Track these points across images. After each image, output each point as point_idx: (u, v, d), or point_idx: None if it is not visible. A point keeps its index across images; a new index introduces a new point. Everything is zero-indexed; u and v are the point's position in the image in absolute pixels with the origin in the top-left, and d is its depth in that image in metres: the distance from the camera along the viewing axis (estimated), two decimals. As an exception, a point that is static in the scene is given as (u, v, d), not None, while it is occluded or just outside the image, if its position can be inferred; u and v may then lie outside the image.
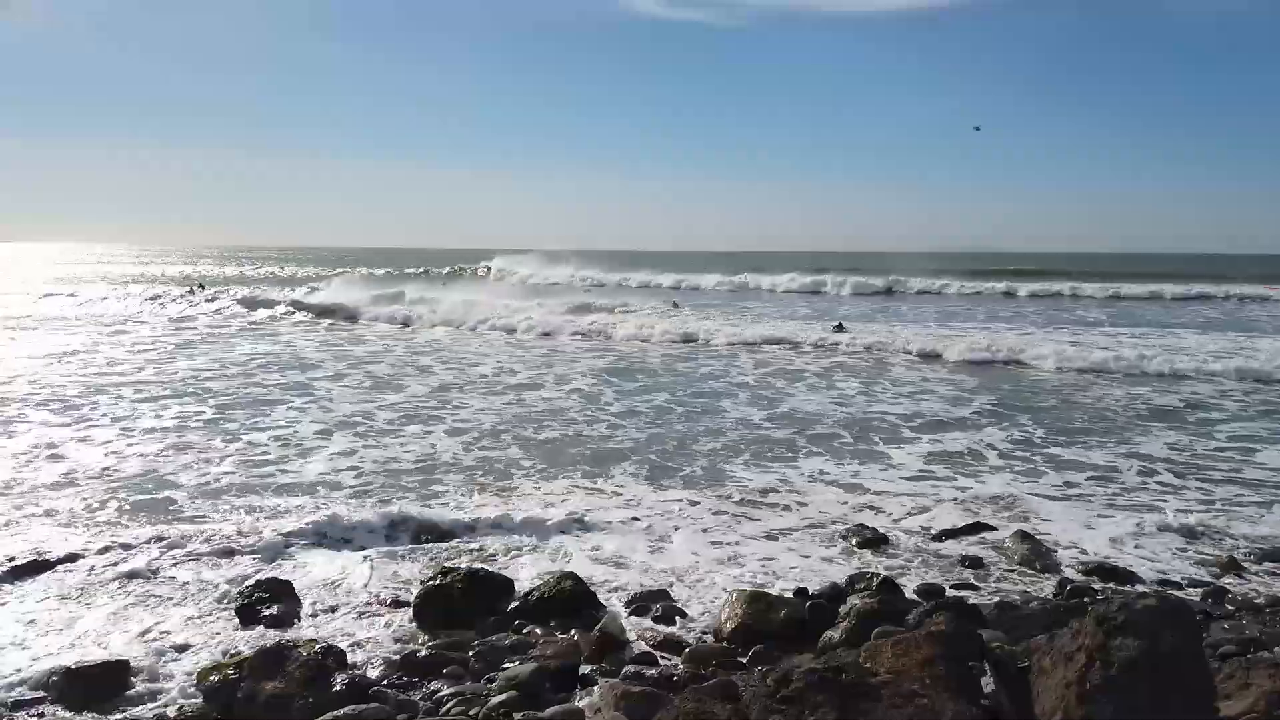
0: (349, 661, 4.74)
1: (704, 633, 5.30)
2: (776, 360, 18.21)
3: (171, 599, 5.71)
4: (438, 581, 5.53)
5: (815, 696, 3.56)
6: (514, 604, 5.55)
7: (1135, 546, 6.86)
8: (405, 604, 5.60)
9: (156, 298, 33.47)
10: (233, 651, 4.88)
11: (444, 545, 6.81)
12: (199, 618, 5.45)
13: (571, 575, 5.74)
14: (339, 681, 4.39)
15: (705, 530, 7.25)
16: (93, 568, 6.14)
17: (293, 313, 28.13)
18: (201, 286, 39.79)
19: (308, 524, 6.96)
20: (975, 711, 3.56)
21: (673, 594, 5.86)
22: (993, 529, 7.23)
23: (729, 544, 6.94)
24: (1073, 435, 11.09)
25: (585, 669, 4.70)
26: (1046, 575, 6.26)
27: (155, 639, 5.12)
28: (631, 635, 5.16)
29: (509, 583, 5.78)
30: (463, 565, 5.94)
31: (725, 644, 5.08)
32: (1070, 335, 23.20)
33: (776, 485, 8.74)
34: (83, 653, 4.90)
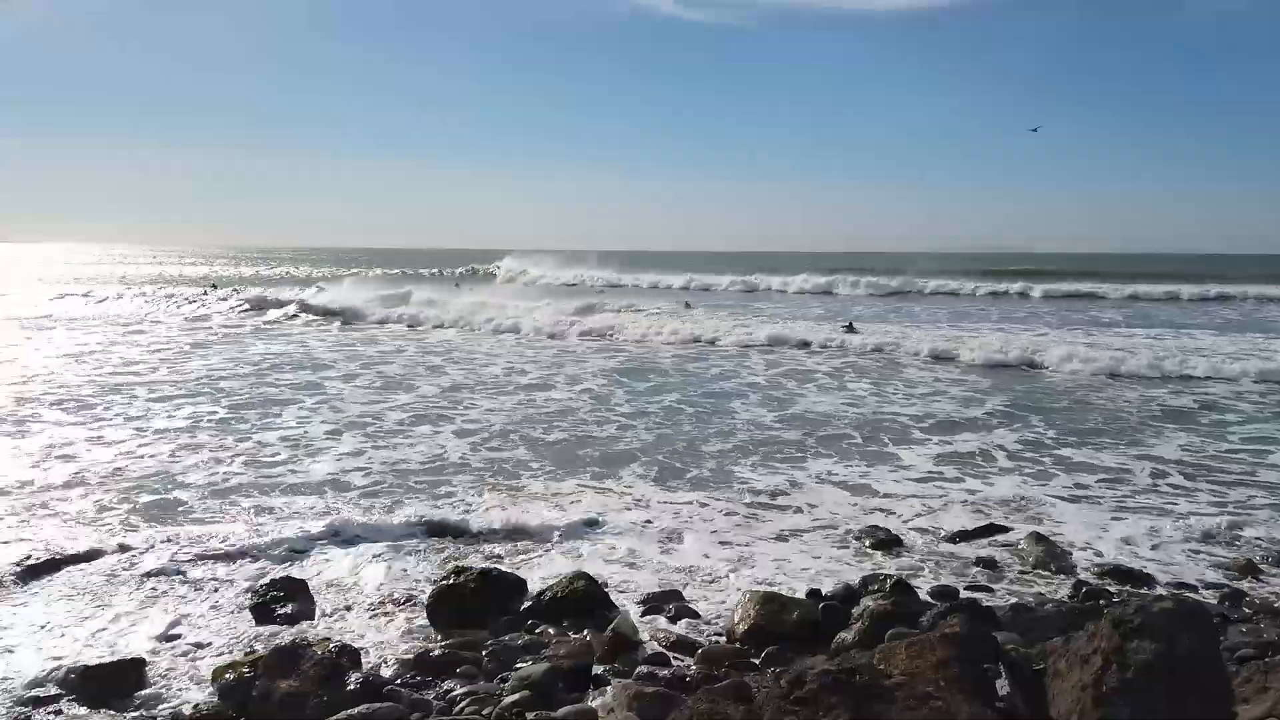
0: (363, 660, 4.75)
1: (716, 634, 5.30)
2: (788, 361, 18.18)
3: (186, 598, 5.75)
4: (451, 581, 5.54)
5: (829, 698, 3.55)
6: (527, 604, 5.56)
7: (1150, 549, 6.82)
8: (418, 603, 5.61)
9: (170, 298, 33.69)
10: (248, 650, 4.90)
11: (456, 545, 6.83)
12: (214, 616, 5.48)
13: (584, 575, 5.75)
14: (353, 680, 4.40)
15: (716, 531, 7.24)
16: (107, 567, 6.19)
17: (304, 314, 28.19)
18: (214, 287, 40.02)
19: (322, 524, 6.99)
20: (990, 714, 3.55)
21: (685, 595, 5.86)
22: (1006, 531, 7.20)
23: (740, 545, 6.93)
24: (1086, 437, 11.03)
25: (598, 669, 4.70)
26: (1061, 577, 6.23)
27: (170, 637, 5.16)
28: (644, 635, 5.16)
29: (522, 582, 5.79)
30: (476, 565, 5.95)
31: (738, 645, 5.07)
32: (1085, 336, 23.09)
33: (787, 486, 8.73)
34: (98, 651, 4.93)
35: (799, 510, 7.89)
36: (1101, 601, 5.54)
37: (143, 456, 9.55)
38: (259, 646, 4.91)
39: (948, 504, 8.12)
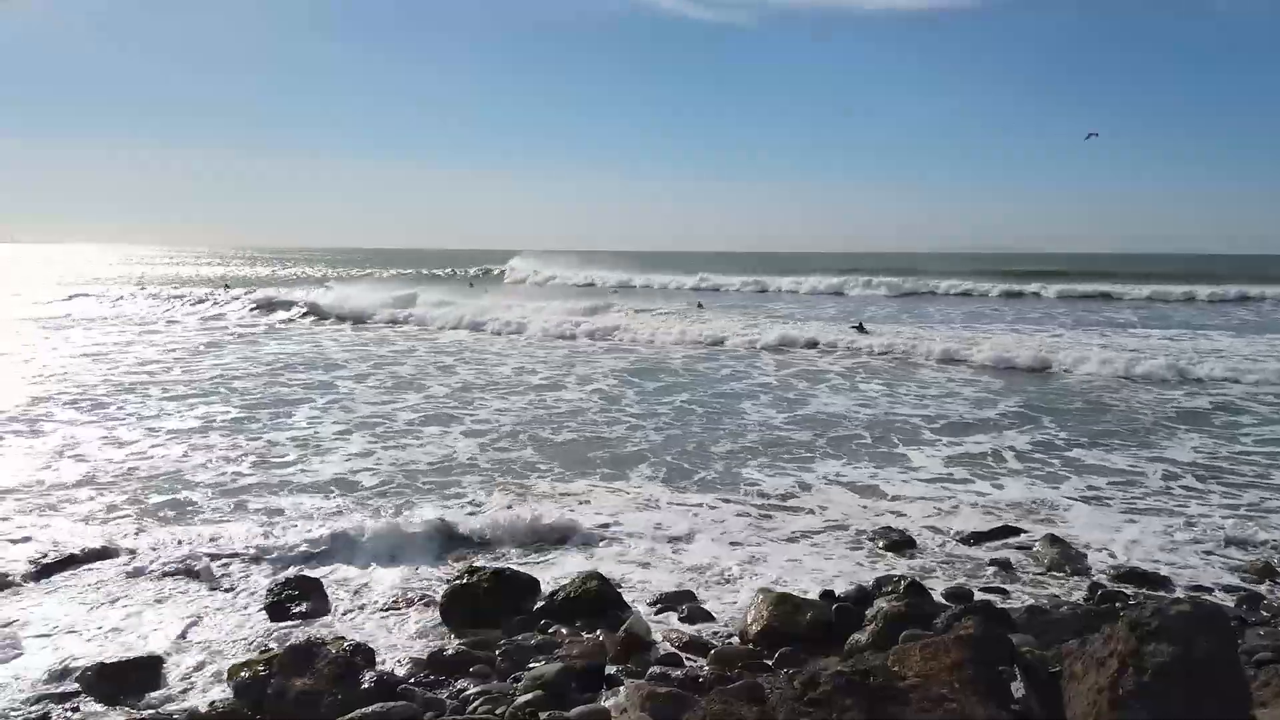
0: (377, 659, 4.78)
1: (729, 635, 5.29)
2: (799, 361, 18.14)
3: (201, 597, 5.78)
4: (464, 581, 5.56)
5: (843, 700, 3.54)
6: (540, 604, 5.57)
7: (1165, 551, 6.77)
8: (432, 603, 5.63)
9: (181, 298, 33.87)
10: (263, 648, 4.93)
11: (468, 545, 6.84)
12: (229, 615, 5.51)
13: (596, 575, 5.75)
14: (367, 679, 4.42)
15: (728, 532, 7.23)
16: (122, 566, 6.22)
17: (317, 315, 28.29)
18: (228, 287, 40.22)
19: (335, 524, 7.02)
20: (1005, 716, 3.54)
21: (697, 595, 5.85)
22: (1020, 533, 7.17)
23: (752, 545, 6.92)
24: (1100, 438, 10.96)
25: (611, 669, 4.71)
26: (1076, 579, 6.20)
27: (186, 635, 5.19)
28: (657, 636, 5.16)
29: (534, 582, 5.80)
30: (489, 565, 5.96)
31: (751, 646, 5.07)
32: (1100, 337, 22.96)
33: (799, 487, 8.71)
34: (115, 648, 4.97)
35: (811, 511, 7.87)
36: (1117, 604, 5.50)
37: (156, 456, 9.61)
38: (274, 645, 4.94)
39: (961, 505, 8.09)
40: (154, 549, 6.49)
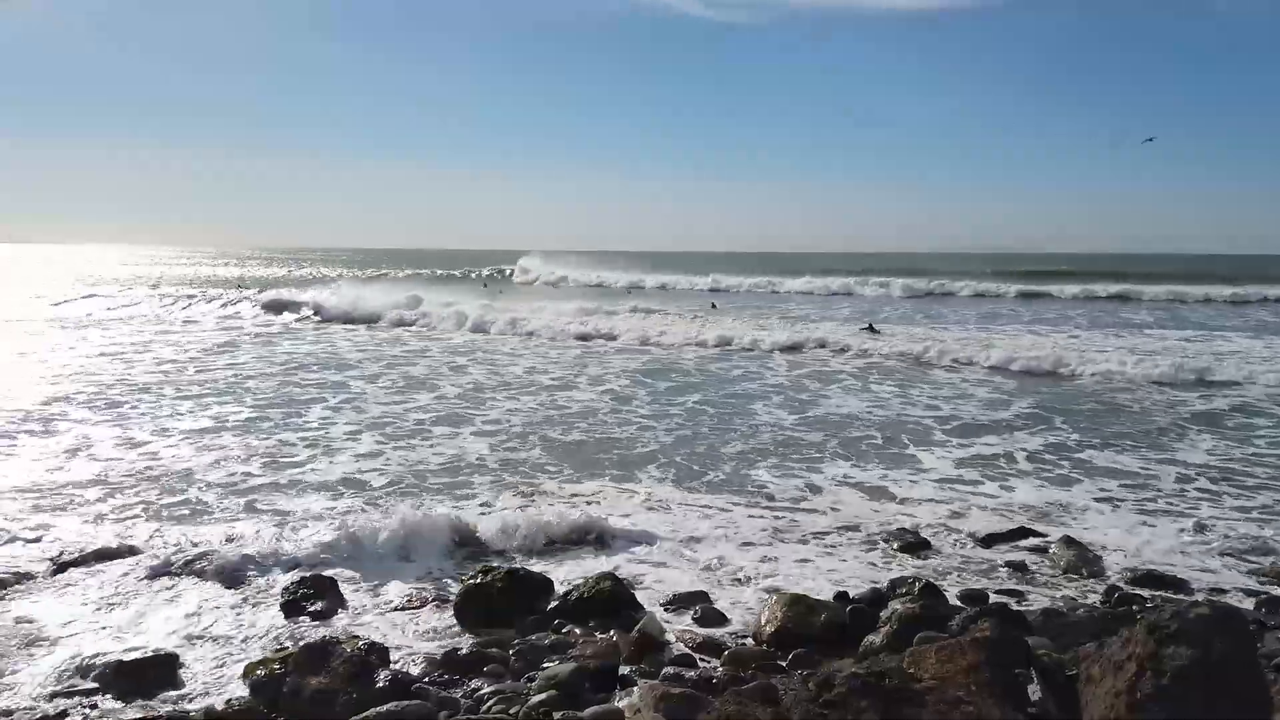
0: (391, 658, 4.79)
1: (742, 635, 5.29)
2: (811, 362, 18.11)
3: (217, 595, 5.81)
4: (478, 580, 5.57)
5: (859, 702, 3.53)
6: (553, 603, 5.57)
7: (1181, 554, 6.73)
8: (446, 602, 5.65)
9: (196, 298, 34.08)
10: (278, 647, 4.95)
11: (482, 545, 6.84)
12: (244, 613, 5.54)
13: (610, 575, 5.76)
14: (382, 678, 4.44)
15: (740, 532, 7.22)
16: (137, 564, 6.24)
17: (334, 316, 28.38)
18: (244, 287, 40.44)
19: (350, 523, 7.03)
20: (1022, 719, 3.52)
21: (710, 596, 5.85)
22: (1036, 534, 7.13)
23: (764, 546, 6.91)
24: (1115, 440, 10.90)
25: (624, 669, 4.71)
26: (1093, 582, 6.16)
27: (202, 634, 5.22)
28: (670, 636, 5.16)
29: (548, 582, 5.81)
30: (502, 564, 5.98)
31: (764, 647, 5.06)
32: (1116, 338, 22.83)
33: (811, 488, 8.70)
34: (131, 645, 4.99)
35: (823, 512, 7.86)
36: (1134, 607, 5.47)
37: (170, 455, 9.67)
38: (289, 644, 4.96)
39: (974, 507, 8.05)
40: (168, 548, 6.53)
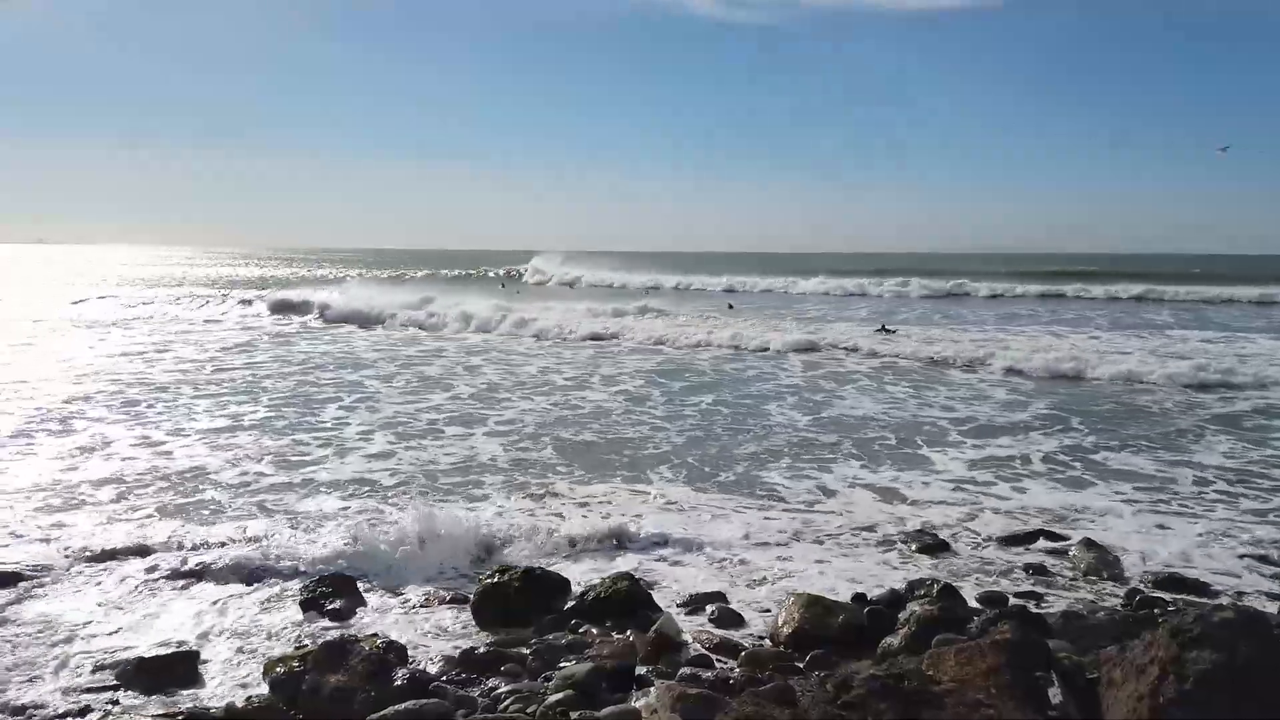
0: (409, 657, 4.81)
1: (759, 636, 5.28)
2: (827, 363, 18.05)
3: (237, 594, 5.85)
4: (495, 580, 5.58)
5: (877, 704, 3.52)
6: (570, 603, 5.58)
7: (1201, 556, 6.66)
8: (464, 602, 5.66)
9: (212, 299, 34.34)
10: (298, 644, 4.97)
11: (499, 546, 6.85)
12: (264, 611, 5.57)
13: (627, 576, 5.76)
14: (400, 676, 4.46)
15: (756, 533, 7.20)
16: (157, 563, 6.29)
17: (349, 317, 28.48)
18: (261, 288, 40.69)
19: (369, 522, 7.07)
20: (1043, 722, 3.49)
21: (727, 596, 5.83)
22: (1055, 536, 7.08)
23: (781, 547, 6.90)
24: (1133, 442, 10.80)
25: (641, 670, 4.70)
26: (1113, 584, 6.11)
27: (222, 632, 5.26)
28: (687, 637, 5.15)
29: (565, 582, 5.81)
30: (519, 564, 5.99)
31: (782, 648, 5.05)
32: (1136, 339, 22.65)
33: (827, 489, 8.67)
34: (152, 643, 5.03)
35: (839, 513, 7.83)
36: (1156, 610, 5.42)
37: (188, 455, 9.74)
38: (308, 641, 4.98)
39: (993, 509, 8.00)
40: (187, 546, 6.58)
